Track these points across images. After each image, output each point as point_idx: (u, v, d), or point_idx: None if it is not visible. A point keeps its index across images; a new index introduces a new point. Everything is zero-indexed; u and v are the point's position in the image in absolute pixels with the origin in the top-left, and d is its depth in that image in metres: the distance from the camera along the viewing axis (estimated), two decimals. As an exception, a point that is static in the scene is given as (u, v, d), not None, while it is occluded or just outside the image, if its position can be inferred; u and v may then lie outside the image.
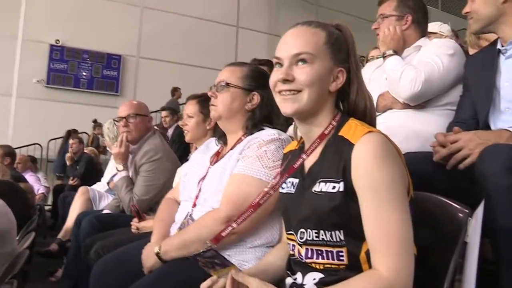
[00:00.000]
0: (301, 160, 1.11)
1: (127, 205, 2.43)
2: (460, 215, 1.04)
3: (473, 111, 1.62)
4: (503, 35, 1.55)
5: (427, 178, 1.30)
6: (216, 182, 1.47)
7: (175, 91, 8.74)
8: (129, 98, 8.94)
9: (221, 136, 1.64)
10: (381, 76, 1.93)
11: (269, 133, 1.46)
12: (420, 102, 1.78)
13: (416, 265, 1.01)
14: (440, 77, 1.74)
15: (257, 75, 1.58)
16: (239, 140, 1.53)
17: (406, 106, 1.80)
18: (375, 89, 1.86)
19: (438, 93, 1.78)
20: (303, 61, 1.04)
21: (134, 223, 2.15)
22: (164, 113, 6.20)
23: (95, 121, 8.23)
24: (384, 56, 1.89)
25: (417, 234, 1.01)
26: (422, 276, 1.03)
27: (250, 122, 1.53)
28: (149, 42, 9.61)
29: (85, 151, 6.45)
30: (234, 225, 1.24)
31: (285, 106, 1.06)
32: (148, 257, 1.46)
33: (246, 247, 1.40)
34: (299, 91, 1.04)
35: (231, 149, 1.54)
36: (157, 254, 1.43)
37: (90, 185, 3.78)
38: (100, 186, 3.72)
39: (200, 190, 1.53)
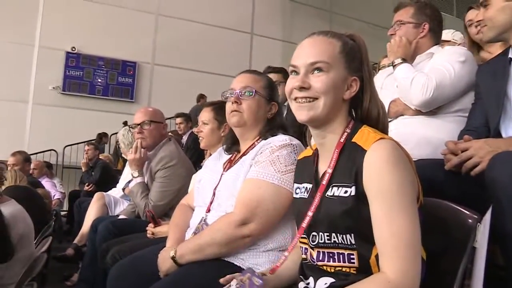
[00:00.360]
0: (321, 168, 1.14)
1: (143, 211, 2.47)
2: (469, 220, 1.06)
3: (485, 118, 1.62)
4: None
5: (438, 185, 1.32)
6: (229, 188, 1.51)
7: (201, 98, 8.71)
8: (143, 105, 9.05)
9: (232, 145, 1.67)
10: (392, 84, 1.95)
11: (281, 138, 1.50)
12: (432, 108, 1.79)
13: (425, 270, 1.03)
14: (451, 83, 1.75)
15: (274, 86, 1.66)
16: (252, 146, 1.57)
17: (417, 112, 1.81)
18: (386, 96, 1.88)
19: (449, 99, 1.78)
20: (319, 69, 1.07)
21: (150, 228, 2.19)
22: (178, 119, 6.27)
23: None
24: (393, 65, 1.91)
25: (427, 239, 1.04)
26: (431, 281, 1.05)
27: (267, 128, 1.58)
28: (163, 49, 9.71)
29: (100, 157, 6.54)
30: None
31: (301, 113, 1.09)
32: (164, 261, 1.50)
33: (260, 250, 1.43)
34: (315, 98, 1.07)
35: (244, 155, 1.58)
36: (173, 258, 1.46)
37: (105, 191, 3.84)
38: (115, 192, 3.78)
39: (214, 195, 1.57)
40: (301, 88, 1.08)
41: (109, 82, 9.42)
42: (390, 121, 1.84)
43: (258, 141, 1.57)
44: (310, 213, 1.08)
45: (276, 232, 1.45)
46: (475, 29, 2.38)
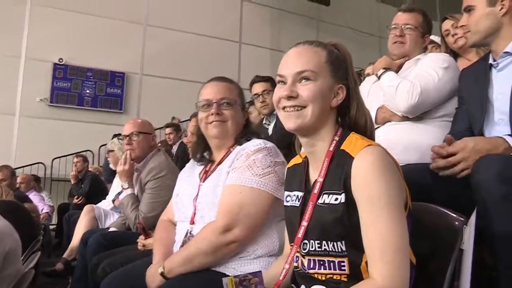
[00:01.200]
0: (311, 176, 1.15)
1: (133, 223, 2.46)
2: (456, 223, 1.08)
3: (468, 123, 1.66)
4: (497, 48, 1.58)
5: (426, 189, 1.34)
6: (210, 198, 1.51)
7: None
8: (133, 115, 9.03)
9: (203, 156, 1.67)
10: (379, 91, 1.99)
11: (255, 143, 1.52)
12: (418, 113, 1.83)
13: (415, 274, 1.04)
14: (435, 88, 1.79)
15: (243, 93, 1.68)
16: (227, 153, 1.58)
17: (404, 118, 1.85)
18: (373, 103, 1.92)
19: (435, 104, 1.82)
20: (306, 78, 1.09)
21: (141, 240, 2.18)
22: (168, 130, 6.23)
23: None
24: (378, 76, 1.97)
25: (416, 243, 1.05)
26: (421, 284, 1.07)
27: (242, 135, 1.60)
28: (152, 59, 9.66)
29: (89, 169, 6.48)
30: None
31: (289, 121, 1.11)
32: (153, 277, 1.47)
33: (250, 258, 1.43)
34: (303, 107, 1.09)
35: (220, 163, 1.58)
36: (162, 274, 1.44)
37: (95, 203, 3.80)
38: (105, 204, 3.74)
39: (195, 208, 1.56)
40: (289, 97, 1.10)
41: (97, 93, 9.34)
42: (377, 127, 1.87)
43: (233, 148, 1.58)
44: (305, 223, 1.09)
45: (263, 237, 1.45)
46: (452, 38, 2.49)
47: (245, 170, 1.44)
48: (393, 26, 2.02)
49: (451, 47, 2.51)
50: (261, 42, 10.82)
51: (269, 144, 1.53)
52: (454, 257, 1.02)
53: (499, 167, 1.14)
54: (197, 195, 1.57)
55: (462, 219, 1.06)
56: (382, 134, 1.83)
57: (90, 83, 9.29)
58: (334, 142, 1.11)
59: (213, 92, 1.61)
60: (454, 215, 1.10)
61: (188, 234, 1.54)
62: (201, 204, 1.54)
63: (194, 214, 1.56)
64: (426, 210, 1.17)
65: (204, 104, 1.60)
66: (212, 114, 1.58)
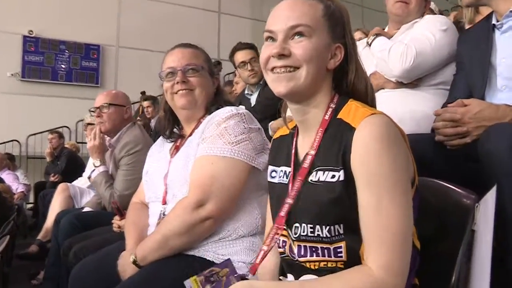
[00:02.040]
0: (301, 149, 1.01)
1: (108, 202, 2.31)
2: (466, 201, 0.96)
3: (468, 90, 1.54)
4: (498, 8, 1.47)
5: (428, 162, 1.22)
6: (181, 173, 1.38)
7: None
8: (110, 89, 8.75)
9: (173, 130, 1.55)
10: (369, 56, 1.86)
11: (226, 110, 1.39)
12: (414, 78, 1.72)
13: (419, 259, 0.93)
14: (432, 51, 1.68)
15: (210, 59, 1.57)
16: (198, 124, 1.46)
17: (399, 85, 1.75)
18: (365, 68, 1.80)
19: (431, 69, 1.71)
20: (300, 34, 0.93)
21: (116, 221, 2.03)
22: (146, 103, 6.00)
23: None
24: (369, 44, 1.87)
25: (420, 223, 0.94)
26: (428, 268, 0.95)
27: (212, 103, 1.49)
28: (128, 31, 9.31)
29: (66, 145, 6.27)
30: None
31: (279, 85, 0.95)
32: (125, 267, 1.35)
33: (231, 238, 1.32)
34: (296, 67, 0.93)
35: (190, 135, 1.46)
36: (134, 262, 1.32)
37: (72, 181, 3.65)
38: (82, 182, 3.59)
39: (166, 186, 1.43)
40: (280, 56, 0.93)
41: (72, 67, 9.01)
42: (373, 89, 1.77)
43: (204, 118, 1.46)
44: (289, 200, 0.95)
45: (243, 213, 1.34)
46: None
47: (216, 139, 1.32)
48: None
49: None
50: (241, 12, 10.52)
51: (242, 110, 1.40)
52: (465, 240, 0.91)
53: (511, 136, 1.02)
54: (168, 172, 1.44)
55: (473, 196, 0.94)
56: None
57: (63, 56, 8.95)
58: (330, 109, 0.96)
59: (177, 59, 1.48)
60: (463, 192, 0.98)
61: (162, 216, 1.41)
62: (172, 182, 1.41)
63: (166, 193, 1.43)
64: (431, 186, 1.05)
65: (169, 73, 1.48)
66: (177, 82, 1.45)
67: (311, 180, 0.93)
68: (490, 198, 0.91)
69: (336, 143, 0.91)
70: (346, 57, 0.98)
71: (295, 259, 0.96)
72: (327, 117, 0.96)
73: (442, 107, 1.58)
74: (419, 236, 0.95)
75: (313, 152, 0.95)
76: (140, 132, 2.45)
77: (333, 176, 0.89)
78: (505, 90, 1.43)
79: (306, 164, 0.95)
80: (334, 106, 0.96)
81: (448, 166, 1.26)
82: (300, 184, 0.95)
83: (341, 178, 0.88)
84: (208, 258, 1.29)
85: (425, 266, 0.95)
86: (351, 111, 0.93)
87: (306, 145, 0.99)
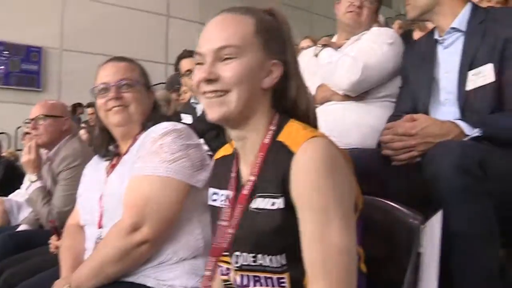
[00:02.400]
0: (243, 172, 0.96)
1: (46, 219, 2.16)
2: (413, 221, 0.95)
3: (413, 103, 1.57)
4: (439, 24, 1.51)
5: (376, 178, 1.21)
6: (116, 194, 1.30)
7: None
8: (53, 94, 8.38)
9: (108, 150, 1.47)
10: (316, 67, 1.86)
11: (163, 126, 1.33)
12: (361, 91, 1.72)
13: (366, 283, 0.91)
14: (379, 64, 1.69)
15: (146, 73, 1.50)
16: (134, 141, 1.39)
17: (346, 98, 1.74)
18: (310, 79, 1.78)
19: (378, 82, 1.73)
20: (229, 55, 0.88)
21: (53, 241, 1.90)
22: (90, 110, 5.77)
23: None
24: (316, 54, 1.86)
25: (368, 244, 0.91)
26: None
27: (148, 119, 1.41)
28: (73, 33, 8.90)
29: (3, 154, 5.88)
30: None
31: (212, 111, 0.90)
32: None
33: (172, 262, 1.25)
34: (226, 91, 0.88)
35: (125, 153, 1.39)
36: None
37: (10, 193, 3.40)
38: (21, 195, 3.35)
39: (102, 208, 1.35)
40: (208, 81, 0.89)
41: (11, 70, 8.53)
42: (315, 107, 1.75)
43: (140, 135, 1.39)
44: (230, 230, 0.91)
45: (182, 233, 1.27)
46: None
47: (151, 157, 1.25)
48: None
49: None
50: (190, 16, 10.38)
51: (180, 126, 1.34)
52: (412, 262, 0.89)
53: (456, 156, 1.02)
54: (103, 193, 1.36)
55: (419, 217, 0.93)
56: (321, 115, 1.69)
57: (2, 58, 8.46)
58: (270, 132, 0.91)
59: (111, 73, 1.40)
60: (408, 212, 0.96)
61: (98, 241, 1.32)
62: (108, 204, 1.32)
63: (101, 216, 1.34)
64: (379, 206, 1.03)
65: (102, 89, 1.39)
66: (110, 99, 1.37)
67: (251, 208, 0.88)
68: (436, 221, 0.90)
69: (276, 168, 0.87)
70: (286, 74, 0.93)
71: None
72: (266, 140, 0.91)
73: (388, 120, 1.60)
74: (368, 258, 0.93)
75: (253, 178, 0.90)
76: (79, 145, 2.32)
77: (273, 204, 0.85)
78: (447, 104, 1.47)
79: (246, 191, 0.90)
80: (274, 128, 0.92)
81: (394, 181, 1.26)
82: (240, 211, 0.90)
83: (281, 206, 0.84)
84: (148, 285, 1.22)
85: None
86: (292, 133, 0.89)
87: (247, 169, 0.94)
